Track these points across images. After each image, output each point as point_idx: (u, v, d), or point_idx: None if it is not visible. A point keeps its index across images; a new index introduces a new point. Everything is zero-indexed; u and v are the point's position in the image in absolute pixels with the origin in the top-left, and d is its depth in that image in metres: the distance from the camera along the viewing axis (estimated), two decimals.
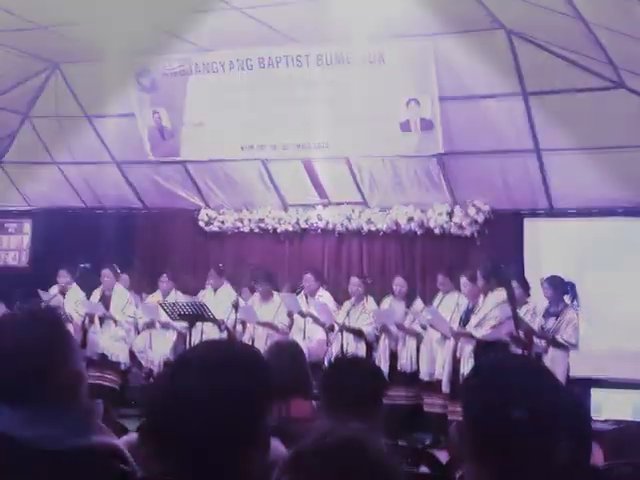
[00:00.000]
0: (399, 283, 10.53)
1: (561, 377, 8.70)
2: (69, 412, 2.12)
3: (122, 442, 2.28)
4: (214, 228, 12.62)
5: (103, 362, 10.76)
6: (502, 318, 8.81)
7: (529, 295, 9.98)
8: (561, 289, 9.51)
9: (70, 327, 10.36)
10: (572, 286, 9.55)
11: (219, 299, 10.80)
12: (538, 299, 9.96)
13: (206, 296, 11.06)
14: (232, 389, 1.83)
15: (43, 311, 2.35)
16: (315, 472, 1.64)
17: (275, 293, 10.80)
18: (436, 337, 9.83)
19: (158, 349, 10.97)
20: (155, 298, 11.20)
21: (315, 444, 1.69)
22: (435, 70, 9.82)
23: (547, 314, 9.50)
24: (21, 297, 10.71)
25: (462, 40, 9.42)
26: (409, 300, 10.46)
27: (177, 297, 11.03)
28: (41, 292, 11.30)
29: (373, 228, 11.64)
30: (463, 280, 9.64)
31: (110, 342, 10.93)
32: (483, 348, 8.70)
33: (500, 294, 8.89)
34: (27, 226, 14.17)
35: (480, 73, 9.65)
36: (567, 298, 9.49)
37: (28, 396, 2.08)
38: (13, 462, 1.99)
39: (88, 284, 11.41)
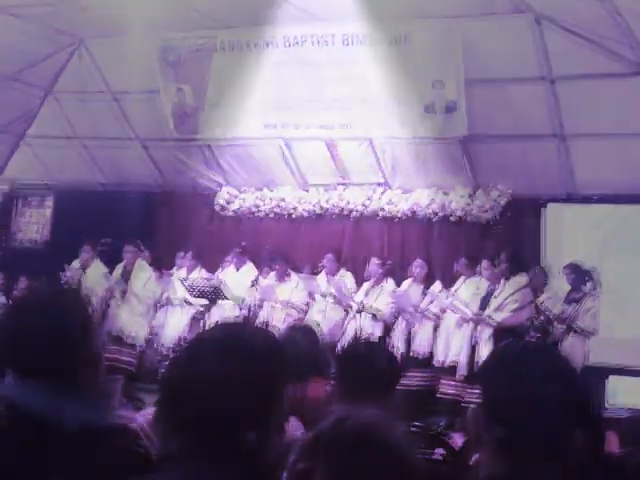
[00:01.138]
0: (418, 265, 10.50)
1: (578, 364, 8.67)
2: (87, 391, 2.14)
3: (140, 416, 2.30)
4: (234, 206, 12.62)
5: (122, 337, 10.82)
6: (522, 303, 8.80)
7: (549, 281, 9.95)
8: (582, 276, 9.44)
9: (93, 303, 10.44)
10: (593, 273, 9.48)
11: (241, 277, 10.84)
12: (559, 285, 9.92)
13: (228, 274, 11.09)
14: (249, 369, 1.84)
15: (67, 290, 2.37)
16: (334, 458, 1.64)
17: (292, 273, 10.82)
18: (454, 320, 9.81)
19: (173, 326, 11.03)
20: (181, 274, 11.23)
21: (333, 430, 1.69)
22: (461, 52, 9.75)
23: (567, 300, 9.44)
24: (43, 271, 10.78)
25: (489, 22, 9.36)
26: (428, 283, 10.44)
27: (201, 275, 11.06)
28: (65, 266, 11.36)
29: (394, 209, 11.60)
30: (484, 264, 9.61)
31: (130, 318, 10.98)
32: (502, 333, 8.68)
33: (521, 279, 8.87)
34: (49, 200, 14.23)
35: (506, 56, 9.58)
36: (588, 285, 9.41)
37: (48, 374, 2.10)
38: (30, 437, 2.01)
39: (109, 259, 11.45)
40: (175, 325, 11.03)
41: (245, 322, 9.68)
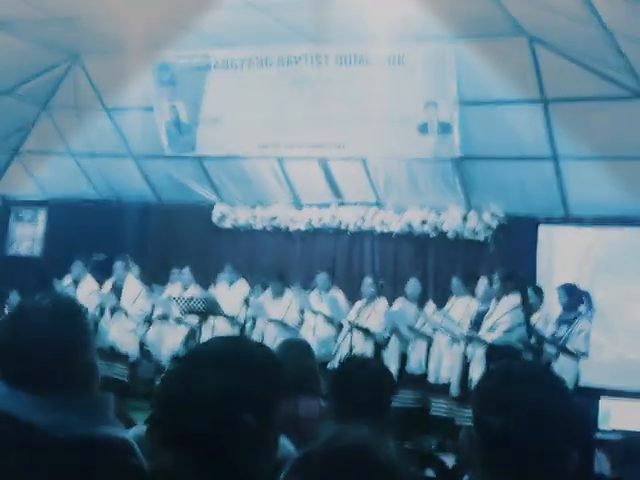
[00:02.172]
0: (412, 285, 10.51)
1: (569, 385, 8.66)
2: (83, 402, 2.13)
3: (131, 435, 2.29)
4: (227, 224, 12.62)
5: (113, 354, 10.78)
6: (514, 323, 8.79)
7: (542, 302, 9.95)
8: (576, 298, 9.45)
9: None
10: (587, 295, 9.49)
11: (233, 294, 10.82)
12: (551, 306, 9.93)
13: (221, 290, 11.08)
14: (244, 385, 1.83)
15: (65, 301, 2.35)
16: (322, 478, 1.63)
17: (286, 290, 10.81)
18: (446, 340, 9.81)
19: (168, 342, 11.01)
20: (175, 290, 11.21)
21: (322, 449, 1.68)
22: (455, 74, 9.79)
23: (560, 321, 9.45)
24: (35, 286, 10.73)
25: (483, 45, 9.39)
26: (421, 302, 10.44)
27: (195, 291, 11.07)
28: (56, 282, 11.33)
29: (387, 229, 11.60)
30: (482, 281, 9.62)
31: (120, 334, 10.96)
32: (494, 353, 8.68)
33: (514, 299, 8.86)
34: (42, 215, 14.21)
35: (500, 78, 9.61)
36: (582, 307, 9.41)
37: (45, 383, 2.09)
38: (26, 446, 2.00)
39: (101, 275, 11.44)
40: (169, 341, 11.00)
41: (241, 337, 9.68)
